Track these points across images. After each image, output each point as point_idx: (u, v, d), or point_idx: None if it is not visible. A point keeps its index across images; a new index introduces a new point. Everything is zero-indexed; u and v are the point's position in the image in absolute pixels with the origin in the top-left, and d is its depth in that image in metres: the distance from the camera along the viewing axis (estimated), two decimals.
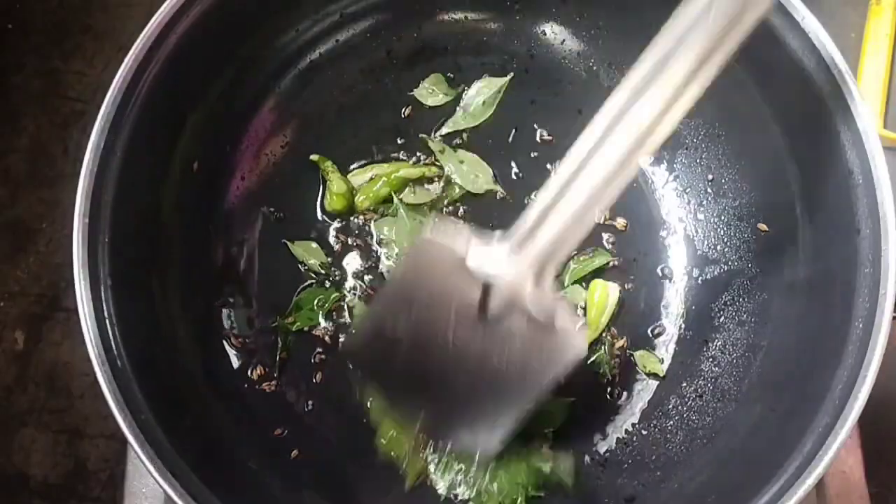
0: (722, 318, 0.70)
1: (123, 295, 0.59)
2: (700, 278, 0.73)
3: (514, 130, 0.77)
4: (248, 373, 0.70)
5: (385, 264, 0.74)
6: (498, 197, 0.75)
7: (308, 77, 0.75)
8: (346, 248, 0.74)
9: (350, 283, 0.73)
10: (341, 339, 0.72)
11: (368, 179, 0.75)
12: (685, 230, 0.74)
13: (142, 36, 0.61)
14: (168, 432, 0.57)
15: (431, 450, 0.65)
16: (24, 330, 1.16)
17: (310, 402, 0.70)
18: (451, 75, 0.78)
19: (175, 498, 0.54)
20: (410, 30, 0.76)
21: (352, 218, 0.75)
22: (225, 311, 0.71)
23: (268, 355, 0.71)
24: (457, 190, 0.75)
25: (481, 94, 0.77)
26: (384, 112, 0.77)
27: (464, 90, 0.78)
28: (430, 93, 0.78)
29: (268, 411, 0.69)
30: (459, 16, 0.77)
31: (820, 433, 0.55)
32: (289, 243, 0.73)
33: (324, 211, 0.75)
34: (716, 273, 0.72)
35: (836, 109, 0.59)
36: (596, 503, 0.67)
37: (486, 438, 0.61)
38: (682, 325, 0.72)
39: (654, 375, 0.70)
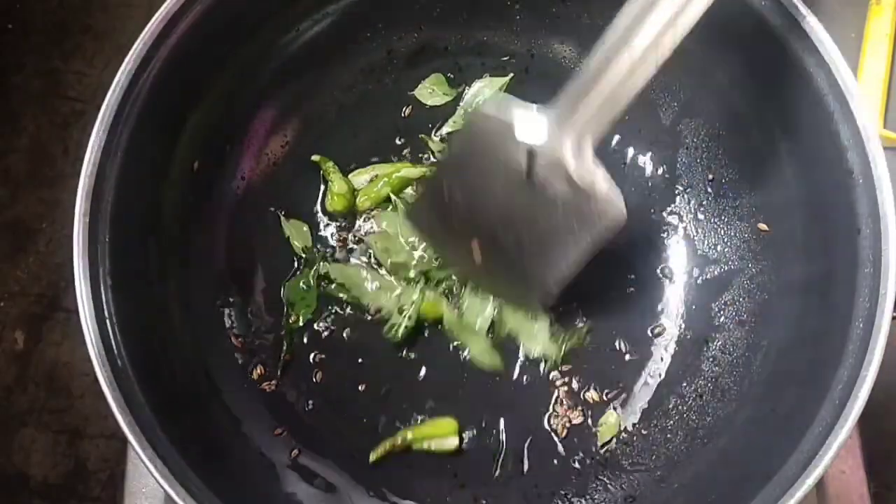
0: (722, 318, 0.70)
1: (123, 295, 0.59)
2: (700, 278, 0.73)
3: None
4: (249, 373, 0.70)
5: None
6: None
7: (308, 77, 0.75)
8: (346, 249, 0.74)
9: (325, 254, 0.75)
10: (345, 333, 0.72)
11: (369, 180, 0.75)
12: (685, 230, 0.74)
13: (142, 36, 0.61)
14: (168, 432, 0.57)
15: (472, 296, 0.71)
16: (24, 330, 1.16)
17: (310, 402, 0.70)
18: (451, 75, 0.78)
19: (175, 498, 0.54)
20: (410, 30, 0.76)
21: (356, 220, 0.75)
22: (225, 311, 0.72)
23: (268, 355, 0.71)
24: None
25: (481, 94, 0.77)
26: (384, 112, 0.77)
27: (464, 90, 0.78)
28: (431, 93, 0.78)
29: (268, 411, 0.69)
30: (460, 15, 0.76)
31: (820, 433, 0.55)
32: (282, 217, 0.74)
33: (324, 211, 0.75)
34: (716, 273, 0.72)
35: (836, 109, 0.59)
36: (596, 503, 0.67)
37: (527, 295, 0.68)
38: (682, 325, 0.72)
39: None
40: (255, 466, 0.65)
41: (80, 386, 1.14)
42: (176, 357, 0.65)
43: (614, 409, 0.70)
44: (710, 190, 0.73)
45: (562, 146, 0.58)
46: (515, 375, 0.71)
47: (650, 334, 0.72)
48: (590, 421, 0.70)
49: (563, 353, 0.71)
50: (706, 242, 0.73)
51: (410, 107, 0.77)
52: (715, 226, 0.73)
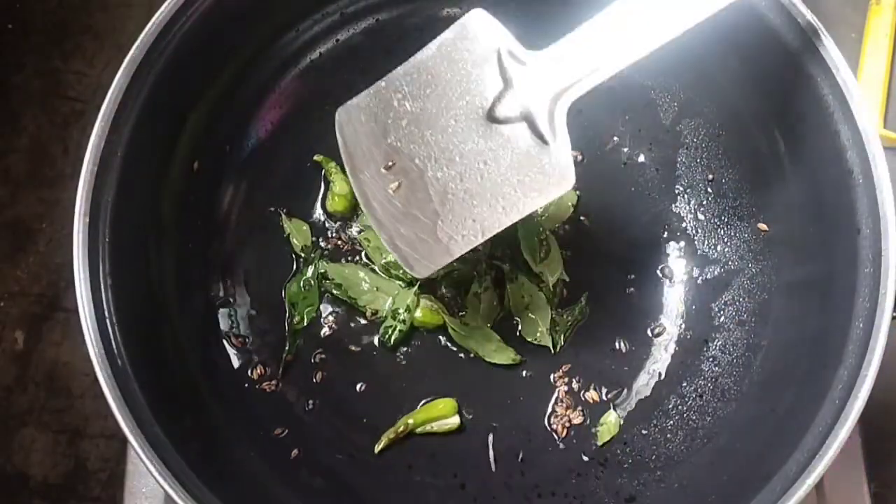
0: (722, 318, 0.70)
1: (123, 295, 0.59)
2: (700, 278, 0.73)
3: None
4: (249, 373, 0.70)
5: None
6: None
7: (308, 77, 0.75)
8: (345, 249, 0.74)
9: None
10: (346, 333, 0.72)
11: None
12: (685, 230, 0.74)
13: (142, 36, 0.61)
14: (168, 432, 0.57)
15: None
16: (24, 330, 1.16)
17: (310, 402, 0.70)
18: None
19: (175, 498, 0.54)
20: (411, 30, 0.76)
21: (356, 221, 0.75)
22: (225, 311, 0.71)
23: (268, 355, 0.71)
24: None
25: None
26: None
27: None
28: None
29: (268, 411, 0.69)
30: (460, 15, 0.76)
31: (820, 433, 0.55)
32: (283, 215, 0.74)
33: (325, 211, 0.75)
34: (716, 273, 0.72)
35: (836, 109, 0.59)
36: (596, 503, 0.67)
37: (420, 247, 0.61)
38: (682, 325, 0.72)
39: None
40: (255, 467, 0.65)
41: (80, 386, 1.14)
42: (176, 357, 0.65)
43: (614, 409, 0.70)
44: (710, 190, 0.73)
45: (542, 94, 0.56)
46: (516, 375, 0.71)
47: (650, 334, 0.72)
48: (590, 421, 0.70)
49: (567, 330, 0.71)
50: (706, 242, 0.73)
51: None
52: (715, 226, 0.73)
